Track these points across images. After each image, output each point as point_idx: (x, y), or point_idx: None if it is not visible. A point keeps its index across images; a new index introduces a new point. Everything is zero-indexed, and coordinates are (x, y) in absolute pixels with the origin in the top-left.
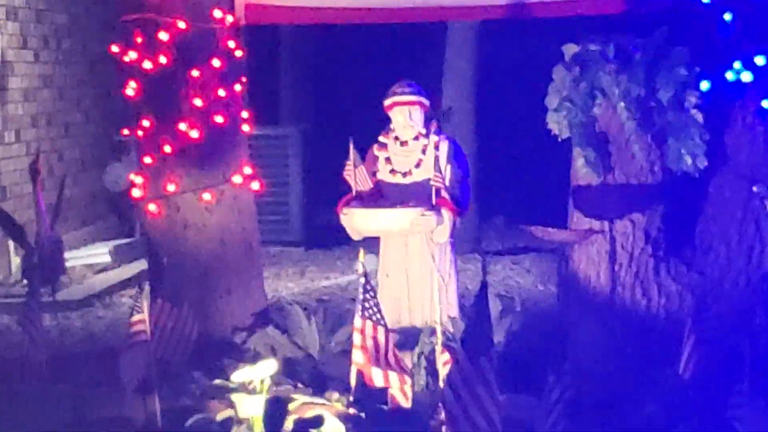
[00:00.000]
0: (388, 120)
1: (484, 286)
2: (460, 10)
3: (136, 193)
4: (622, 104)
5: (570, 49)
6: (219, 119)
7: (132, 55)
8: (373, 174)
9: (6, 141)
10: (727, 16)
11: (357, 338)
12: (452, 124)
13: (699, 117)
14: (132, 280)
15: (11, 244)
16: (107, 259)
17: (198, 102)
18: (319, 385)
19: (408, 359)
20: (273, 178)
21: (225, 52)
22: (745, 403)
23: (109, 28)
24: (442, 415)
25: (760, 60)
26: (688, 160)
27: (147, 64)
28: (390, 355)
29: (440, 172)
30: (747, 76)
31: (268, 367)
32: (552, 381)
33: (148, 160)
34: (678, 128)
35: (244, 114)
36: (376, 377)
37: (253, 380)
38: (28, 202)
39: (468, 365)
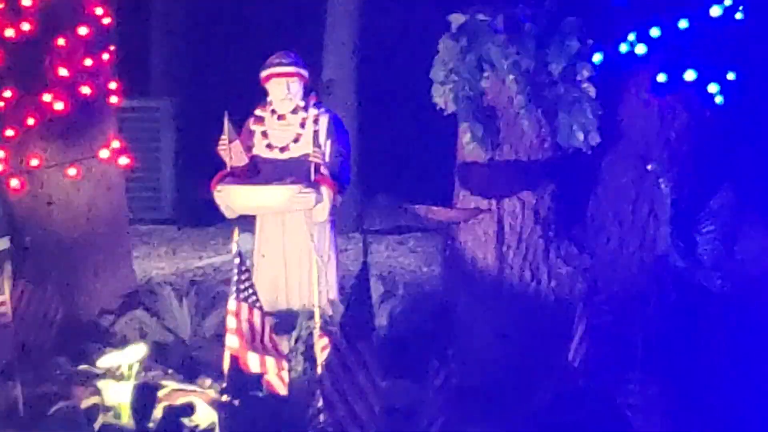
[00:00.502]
0: (265, 92)
1: (365, 267)
2: None
3: None
4: (511, 77)
5: (457, 19)
6: (85, 90)
7: None
8: (249, 149)
9: None
10: None
11: (231, 322)
12: (333, 97)
13: (591, 91)
14: None
15: None
16: None
17: (63, 72)
18: (190, 371)
19: (285, 344)
20: (144, 152)
21: (92, 19)
22: (637, 391)
23: None
24: (320, 403)
25: (655, 32)
26: (580, 136)
27: (9, 32)
28: (266, 339)
29: (320, 148)
30: (641, 48)
31: (137, 351)
32: (435, 367)
33: (10, 132)
34: (569, 102)
35: (112, 85)
36: (252, 362)
37: (121, 366)
38: None
39: (347, 350)
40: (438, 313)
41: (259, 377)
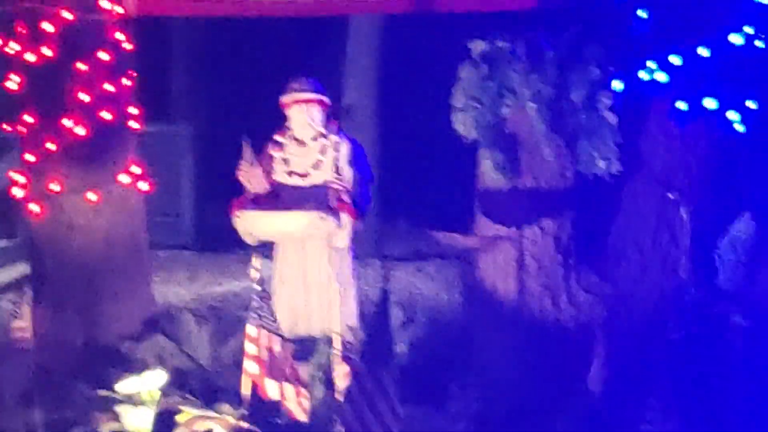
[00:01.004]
0: (284, 118)
1: (384, 293)
2: (363, 3)
3: (17, 192)
4: (532, 105)
5: (478, 46)
6: (106, 115)
7: (14, 47)
8: (268, 174)
9: None
10: (642, 14)
11: (251, 348)
12: (353, 124)
13: (612, 119)
14: (13, 284)
15: None
16: None
17: (84, 97)
18: (209, 397)
19: (304, 370)
20: (163, 177)
21: (113, 44)
22: (658, 419)
23: None
24: (341, 429)
25: (675, 60)
26: (601, 163)
27: (30, 57)
28: (285, 365)
29: (340, 174)
30: (661, 76)
31: (156, 377)
32: (455, 393)
33: (30, 157)
34: (590, 130)
35: (133, 110)
36: (271, 389)
37: (140, 391)
38: None
39: (367, 377)
40: (458, 339)
41: (279, 403)
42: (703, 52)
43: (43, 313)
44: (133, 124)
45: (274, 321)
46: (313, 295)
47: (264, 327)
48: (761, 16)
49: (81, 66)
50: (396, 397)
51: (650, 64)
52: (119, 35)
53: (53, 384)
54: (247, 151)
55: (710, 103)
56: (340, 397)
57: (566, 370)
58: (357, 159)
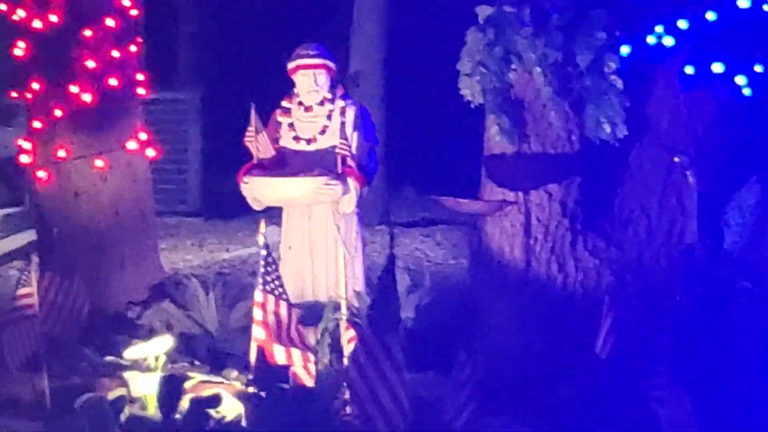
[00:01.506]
0: (292, 84)
1: (391, 259)
2: None
3: (24, 159)
4: (539, 69)
5: (484, 11)
6: (113, 82)
7: (21, 14)
8: (276, 140)
9: None
10: None
11: (258, 313)
12: (360, 89)
13: (619, 83)
14: (20, 251)
15: None
16: None
17: (91, 63)
18: (217, 363)
19: (311, 336)
20: (170, 144)
21: (119, 10)
22: (665, 384)
23: None
24: (347, 394)
25: (682, 24)
26: (607, 128)
27: (37, 23)
28: (293, 331)
29: (346, 140)
30: (669, 41)
31: (163, 343)
32: (462, 359)
33: (37, 124)
34: (597, 95)
35: (140, 76)
36: (278, 354)
37: (148, 357)
38: None
39: (374, 342)
40: (464, 305)
41: (286, 369)
42: (711, 16)
43: (50, 280)
44: (140, 91)
45: (281, 286)
46: (320, 261)
47: (271, 292)
48: None
49: (87, 32)
50: (402, 362)
51: (657, 28)
52: (126, 1)
53: (60, 351)
54: (254, 117)
55: (718, 68)
56: (346, 363)
57: (573, 335)
58: (363, 124)
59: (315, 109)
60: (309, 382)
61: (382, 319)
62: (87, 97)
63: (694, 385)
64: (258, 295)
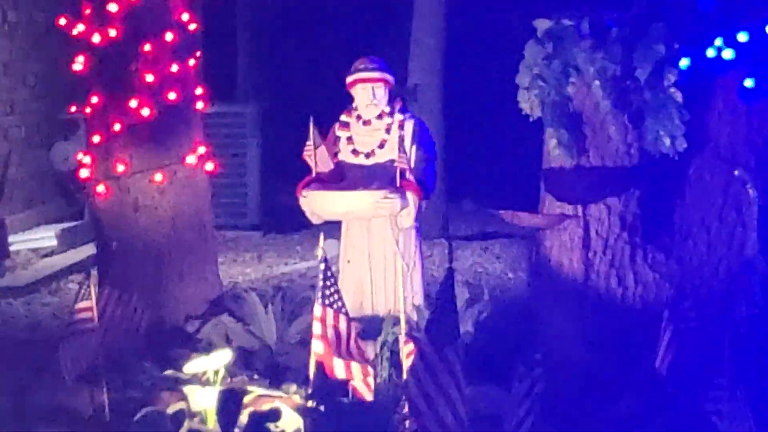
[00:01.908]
0: (351, 98)
1: (450, 272)
2: None
3: (83, 173)
4: (597, 82)
5: (542, 24)
6: (172, 96)
7: (80, 28)
8: (335, 155)
9: None
10: None
11: (317, 327)
12: (419, 103)
13: (678, 96)
14: (80, 265)
15: None
16: (53, 242)
17: (149, 78)
18: (276, 377)
19: (371, 349)
20: (229, 158)
21: (178, 24)
22: (725, 398)
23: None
24: (406, 409)
25: (742, 37)
26: (667, 141)
27: (96, 38)
28: (352, 344)
29: (405, 153)
30: (728, 54)
31: (223, 357)
32: (522, 373)
33: (96, 138)
34: (656, 108)
35: (199, 90)
36: (338, 368)
37: (207, 371)
38: None
39: (433, 356)
40: (524, 319)
41: (345, 383)
42: None
43: (109, 293)
44: (199, 105)
45: (340, 300)
46: (379, 275)
47: (330, 306)
48: None
49: (146, 47)
50: (462, 376)
51: (717, 41)
52: (184, 15)
53: (119, 365)
54: (312, 131)
55: None
56: (406, 377)
57: (632, 349)
58: (422, 138)
59: (373, 122)
60: (368, 396)
61: (442, 332)
62: (146, 112)
63: (755, 399)
64: (317, 309)
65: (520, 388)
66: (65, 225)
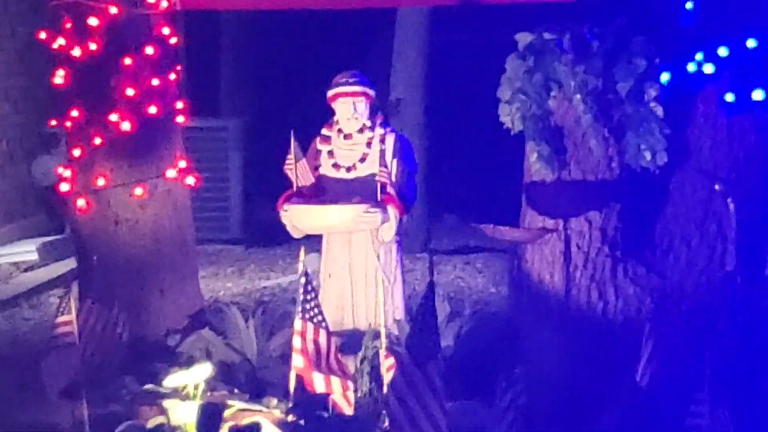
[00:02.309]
0: (333, 112)
1: (430, 286)
2: None
3: (64, 187)
4: (579, 96)
5: (524, 38)
6: (152, 110)
7: (60, 42)
8: (316, 168)
9: None
10: (689, 5)
11: (297, 341)
12: (401, 117)
13: (659, 110)
14: (61, 279)
15: None
16: (35, 257)
17: (130, 91)
18: (256, 391)
19: (351, 364)
20: (211, 172)
21: (159, 38)
22: (706, 412)
23: (38, 14)
24: (386, 423)
25: (723, 51)
26: (648, 155)
27: (76, 51)
28: (332, 359)
29: (386, 167)
30: (709, 68)
31: (203, 371)
32: (503, 387)
33: (77, 152)
34: (637, 122)
35: (179, 104)
36: (317, 382)
37: (187, 385)
38: None
39: (413, 370)
40: (505, 333)
41: (326, 397)
42: (751, 43)
43: (89, 307)
44: (180, 119)
45: (321, 314)
46: (360, 289)
47: (310, 320)
48: None
49: (127, 60)
50: (442, 390)
51: (698, 55)
52: (165, 29)
53: (100, 379)
54: (294, 145)
55: (758, 95)
56: (386, 391)
57: (614, 363)
58: (403, 151)
59: (354, 136)
60: (348, 410)
61: (422, 347)
62: (126, 125)
63: (736, 412)
64: (297, 323)
65: (501, 403)
66: (46, 239)
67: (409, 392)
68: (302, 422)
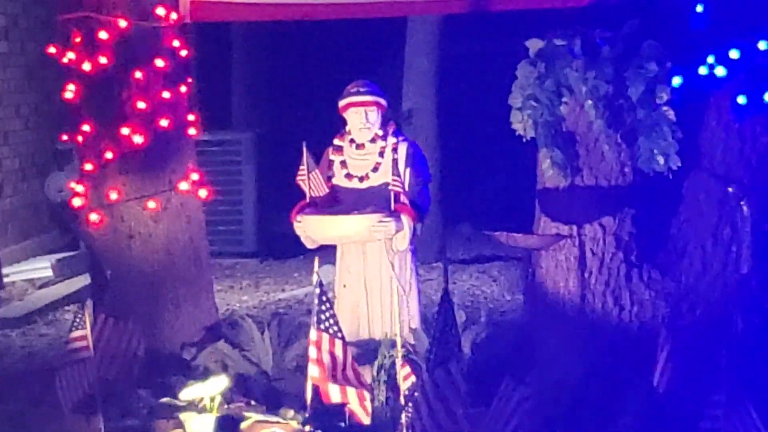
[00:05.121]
0: (345, 122)
1: (446, 293)
2: (420, 4)
3: (77, 202)
4: (590, 102)
5: (534, 45)
6: (164, 123)
7: (70, 56)
8: (329, 179)
9: None
10: (699, 8)
11: (313, 352)
12: (413, 126)
13: (671, 114)
14: (76, 295)
15: None
16: (49, 273)
17: (141, 105)
18: (273, 402)
19: (367, 374)
20: (225, 185)
21: (169, 51)
22: (722, 415)
23: (48, 29)
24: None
25: (734, 54)
26: (660, 159)
27: (86, 66)
28: (348, 369)
29: (399, 176)
30: (721, 71)
31: (219, 383)
32: (507, 388)
33: (88, 167)
34: (649, 126)
35: (191, 117)
36: (333, 393)
37: (203, 398)
38: None
39: (430, 379)
40: (521, 340)
41: (342, 407)
42: (763, 45)
43: (104, 322)
44: (191, 131)
45: (336, 324)
46: (375, 298)
47: (326, 331)
48: None
49: (138, 74)
50: (459, 398)
51: (709, 58)
52: (175, 42)
53: (116, 393)
54: (306, 156)
55: None
56: (403, 400)
57: (629, 368)
58: (415, 160)
59: (367, 146)
60: (365, 420)
61: (439, 355)
62: (138, 139)
63: (753, 416)
64: (313, 334)
65: (505, 408)
66: (61, 255)
67: (426, 401)
68: None
